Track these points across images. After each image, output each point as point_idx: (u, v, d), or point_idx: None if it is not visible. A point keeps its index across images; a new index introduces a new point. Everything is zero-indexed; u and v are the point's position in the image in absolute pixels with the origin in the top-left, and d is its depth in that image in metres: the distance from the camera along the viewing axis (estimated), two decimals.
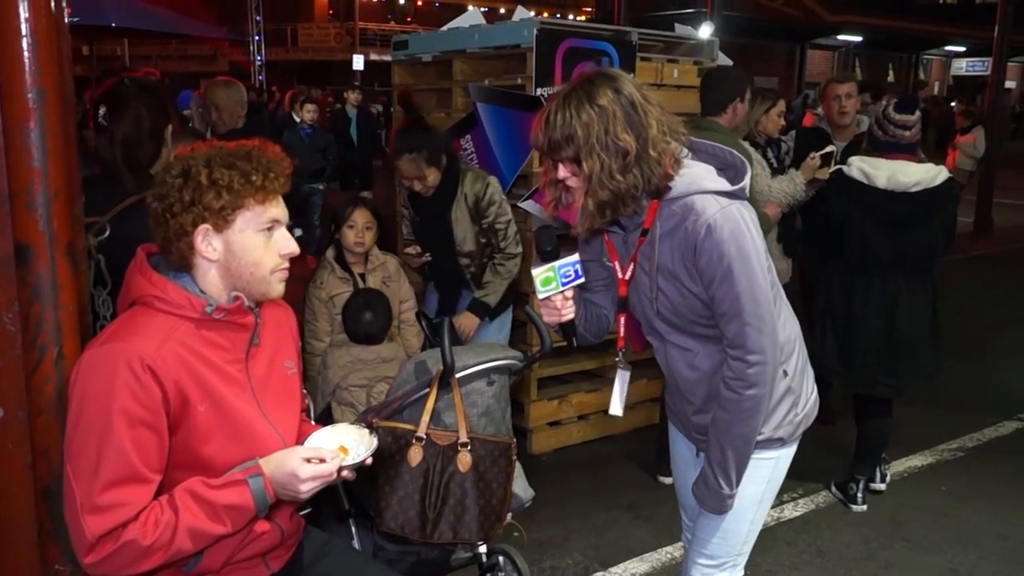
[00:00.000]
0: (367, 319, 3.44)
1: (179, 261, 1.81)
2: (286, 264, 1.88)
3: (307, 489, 1.78)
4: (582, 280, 2.13)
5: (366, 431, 1.95)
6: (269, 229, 1.83)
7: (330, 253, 3.85)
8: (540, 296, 2.13)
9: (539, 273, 2.10)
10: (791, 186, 4.21)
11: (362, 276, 3.81)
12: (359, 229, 3.76)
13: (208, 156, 1.78)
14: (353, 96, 10.84)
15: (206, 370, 1.79)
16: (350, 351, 3.48)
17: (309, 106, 9.11)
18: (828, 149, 4.26)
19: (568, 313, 2.17)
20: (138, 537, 1.67)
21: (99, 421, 1.66)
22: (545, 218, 4.21)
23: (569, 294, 2.14)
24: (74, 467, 1.68)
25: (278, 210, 1.84)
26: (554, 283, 2.10)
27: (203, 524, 1.73)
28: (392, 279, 3.88)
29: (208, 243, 1.78)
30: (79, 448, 1.68)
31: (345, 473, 1.86)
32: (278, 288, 1.88)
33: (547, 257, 2.10)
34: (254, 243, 1.81)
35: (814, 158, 4.22)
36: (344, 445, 1.90)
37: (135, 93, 2.73)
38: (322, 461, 1.80)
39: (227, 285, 1.84)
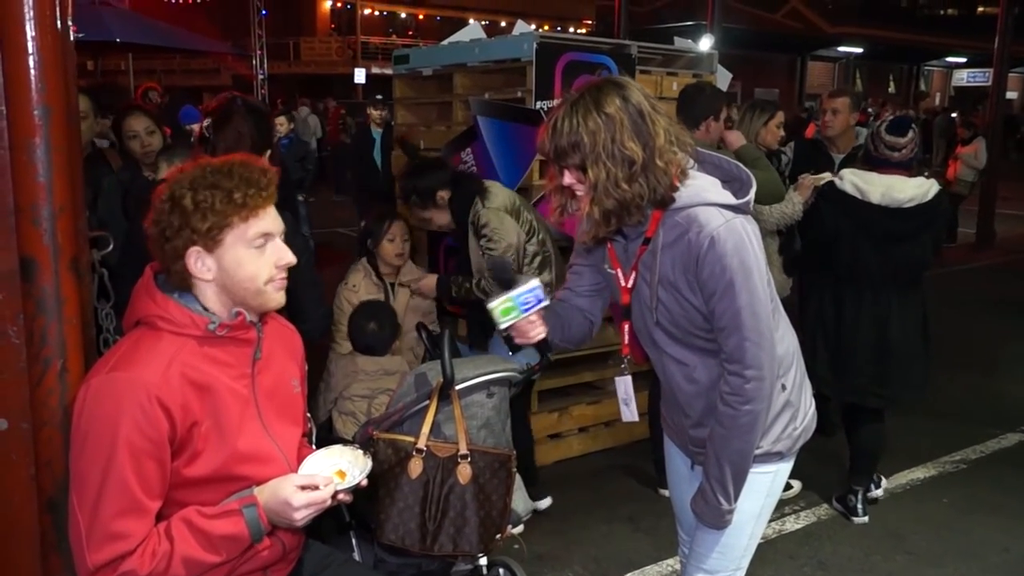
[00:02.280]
0: (371, 329, 3.47)
1: (179, 282, 1.83)
2: (283, 274, 1.88)
3: (301, 517, 1.80)
4: (545, 303, 2.14)
5: (359, 452, 1.96)
6: (261, 244, 1.83)
7: (364, 259, 3.99)
8: (502, 325, 2.14)
9: (497, 304, 2.11)
10: (790, 207, 4.22)
11: (392, 286, 3.92)
12: (398, 242, 3.92)
13: (192, 178, 1.79)
14: (377, 113, 9.00)
15: (211, 387, 1.81)
16: (354, 361, 3.50)
17: (281, 119, 9.21)
18: (824, 177, 4.25)
19: (536, 335, 2.18)
20: (136, 568, 1.69)
21: (103, 452, 1.68)
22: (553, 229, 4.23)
23: (534, 318, 2.15)
24: (78, 495, 1.70)
25: (266, 222, 1.83)
26: (514, 312, 2.11)
27: (198, 554, 1.75)
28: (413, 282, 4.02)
29: (201, 263, 1.80)
30: (83, 477, 1.70)
31: (341, 496, 1.87)
32: (276, 298, 1.89)
33: (505, 286, 2.11)
34: (246, 258, 1.82)
35: (807, 178, 4.24)
36: (341, 469, 1.91)
37: (242, 111, 2.80)
38: (316, 488, 1.82)
39: (226, 301, 1.86)
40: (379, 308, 3.59)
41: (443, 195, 3.79)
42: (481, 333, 4.00)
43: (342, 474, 1.90)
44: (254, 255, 1.82)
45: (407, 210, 3.88)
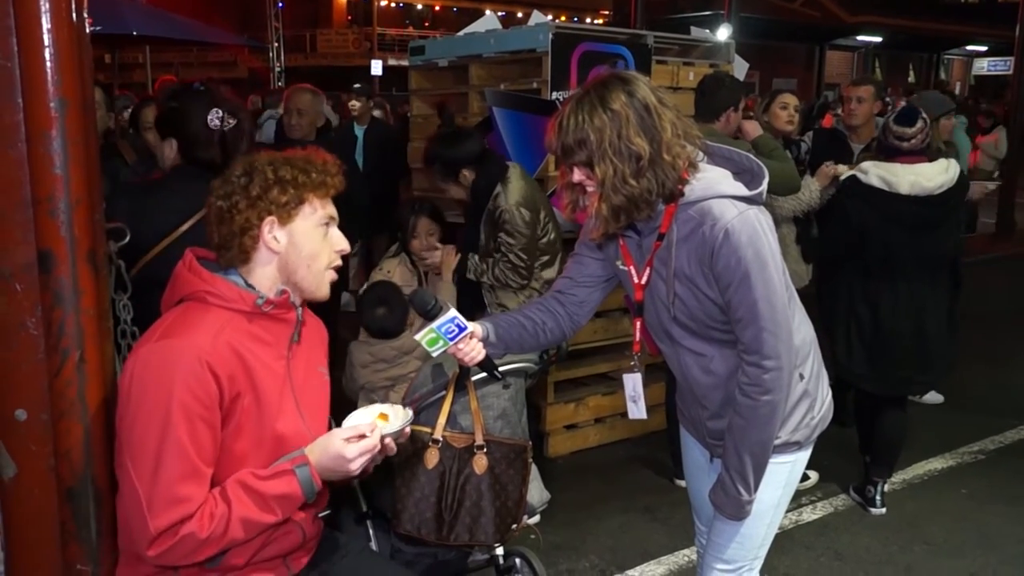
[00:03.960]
0: (380, 314, 3.48)
1: (239, 256, 1.89)
2: (339, 261, 1.98)
3: (357, 467, 1.84)
4: (468, 331, 2.16)
5: (399, 407, 2.00)
6: (326, 225, 1.93)
7: (399, 247, 4.11)
8: (434, 354, 2.19)
9: (421, 336, 2.15)
10: (807, 194, 4.21)
11: (426, 275, 3.98)
12: (423, 238, 3.99)
13: (270, 158, 1.91)
14: (359, 104, 7.23)
15: (253, 364, 1.84)
16: (370, 348, 3.51)
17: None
18: (842, 169, 4.26)
19: (473, 358, 2.20)
20: (196, 531, 1.72)
21: (158, 417, 1.71)
22: (563, 221, 4.23)
23: (461, 345, 2.17)
24: (135, 463, 1.72)
25: (330, 208, 1.95)
26: (440, 342, 2.14)
27: (254, 514, 1.79)
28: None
29: (273, 235, 1.87)
30: (139, 444, 1.72)
31: (387, 441, 1.91)
32: (326, 288, 1.98)
33: (429, 317, 2.14)
34: (314, 236, 1.92)
35: (829, 166, 4.24)
36: (383, 412, 1.95)
37: (237, 99, 2.89)
38: (363, 437, 1.85)
39: (281, 279, 1.92)
40: (386, 290, 3.60)
41: (467, 174, 3.79)
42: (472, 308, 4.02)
43: (384, 416, 1.93)
44: (320, 235, 1.93)
45: (429, 177, 3.87)
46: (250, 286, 1.90)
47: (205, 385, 1.74)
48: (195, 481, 1.74)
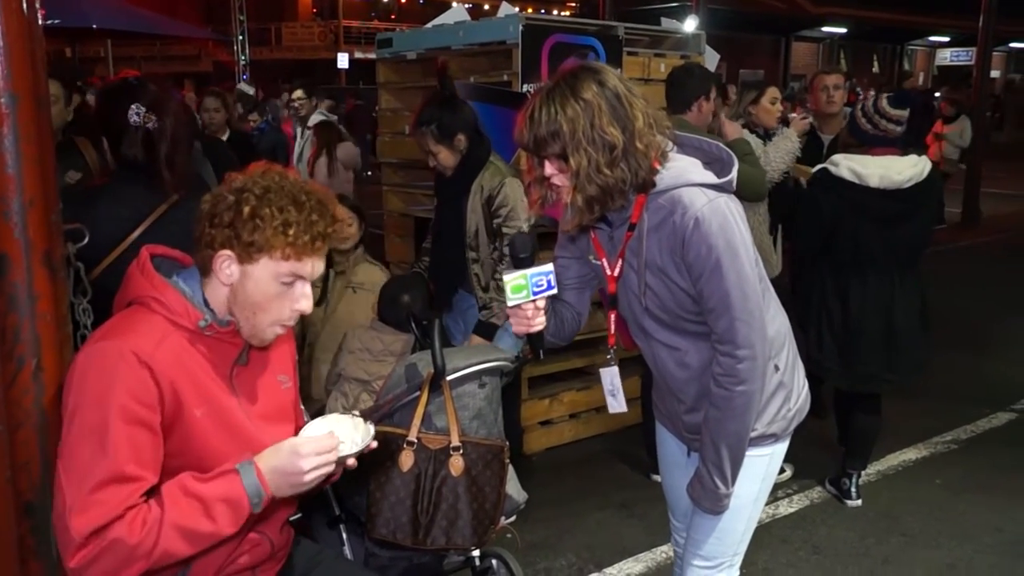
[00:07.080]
0: (405, 301, 3.41)
1: (202, 266, 1.81)
2: (292, 320, 1.84)
3: (309, 467, 1.71)
4: (554, 291, 2.08)
5: (360, 420, 1.89)
6: (289, 282, 1.79)
7: None
8: (510, 304, 2.07)
9: (510, 279, 2.04)
10: (787, 143, 4.24)
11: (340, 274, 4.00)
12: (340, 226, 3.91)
13: (267, 187, 1.75)
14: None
15: (202, 376, 1.77)
16: (362, 337, 3.45)
17: (254, 115, 9.24)
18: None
19: (538, 324, 2.11)
20: (124, 536, 1.60)
21: (95, 419, 1.63)
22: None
23: (541, 304, 2.08)
24: (66, 466, 1.64)
25: (305, 267, 1.78)
26: (525, 291, 2.04)
27: (190, 520, 1.66)
28: (364, 287, 4.00)
29: (226, 267, 1.76)
30: (74, 447, 1.64)
31: (350, 462, 1.81)
32: (268, 340, 1.86)
33: (521, 264, 2.05)
34: (267, 289, 1.77)
35: (805, 117, 4.32)
36: (335, 432, 1.81)
37: (167, 93, 2.72)
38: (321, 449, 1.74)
39: (230, 308, 1.82)
40: (412, 281, 3.57)
41: (462, 139, 3.68)
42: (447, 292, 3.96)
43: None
44: (276, 289, 1.78)
45: (419, 141, 3.76)
46: (205, 300, 1.82)
47: (144, 385, 1.66)
48: (124, 485, 1.63)
